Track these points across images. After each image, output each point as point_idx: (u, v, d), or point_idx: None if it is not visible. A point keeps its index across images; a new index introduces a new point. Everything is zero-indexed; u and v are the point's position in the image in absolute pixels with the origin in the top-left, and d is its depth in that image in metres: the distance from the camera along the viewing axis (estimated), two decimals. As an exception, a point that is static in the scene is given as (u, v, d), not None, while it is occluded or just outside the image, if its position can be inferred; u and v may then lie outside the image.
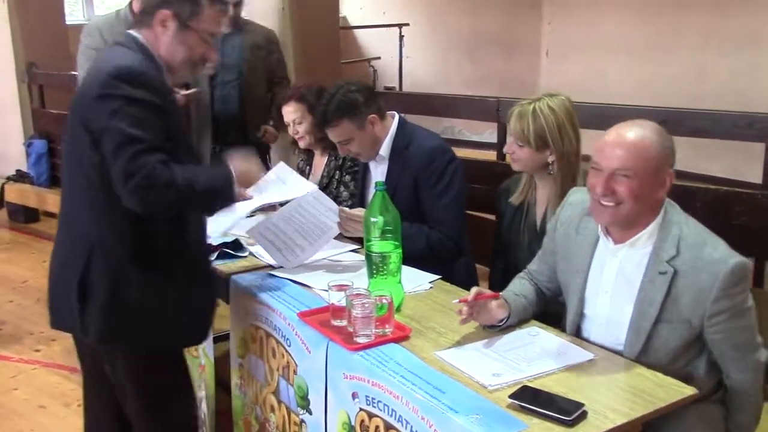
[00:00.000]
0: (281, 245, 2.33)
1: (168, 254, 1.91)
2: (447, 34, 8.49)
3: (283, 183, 2.26)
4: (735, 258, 1.69)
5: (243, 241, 2.51)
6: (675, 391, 1.59)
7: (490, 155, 4.37)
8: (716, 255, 1.70)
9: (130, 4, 3.40)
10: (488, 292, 1.88)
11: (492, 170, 3.18)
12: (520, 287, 2.02)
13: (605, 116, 2.96)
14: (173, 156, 1.83)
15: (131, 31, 1.95)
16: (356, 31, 8.99)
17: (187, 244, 1.95)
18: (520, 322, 1.93)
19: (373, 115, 2.47)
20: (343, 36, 8.33)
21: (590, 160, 1.79)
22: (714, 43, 6.46)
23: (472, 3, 8.21)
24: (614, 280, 1.82)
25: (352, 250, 2.48)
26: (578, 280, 1.89)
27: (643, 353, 1.76)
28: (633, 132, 1.74)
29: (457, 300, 1.84)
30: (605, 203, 1.75)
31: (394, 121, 2.56)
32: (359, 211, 2.32)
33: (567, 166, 2.26)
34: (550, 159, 2.25)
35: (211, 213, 2.06)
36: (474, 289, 1.85)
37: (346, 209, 2.38)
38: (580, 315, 1.91)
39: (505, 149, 2.35)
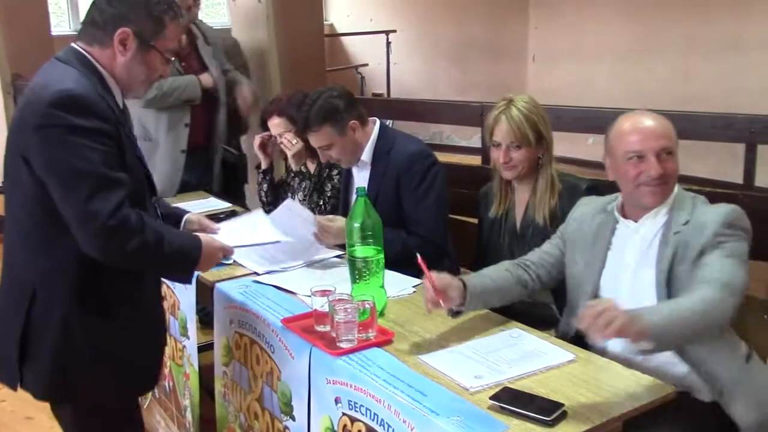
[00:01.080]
0: (265, 259, 2.36)
1: (116, 300, 1.74)
2: (434, 41, 8.53)
3: (254, 228, 2.27)
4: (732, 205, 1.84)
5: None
6: (655, 389, 1.60)
7: (477, 160, 4.39)
8: (717, 208, 1.84)
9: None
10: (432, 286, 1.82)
11: (477, 174, 3.19)
12: (492, 271, 2.05)
13: (589, 119, 3.00)
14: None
15: (76, 46, 1.74)
16: (343, 39, 9.02)
17: (138, 288, 1.79)
18: (485, 306, 1.96)
19: (354, 121, 2.48)
20: (331, 43, 8.38)
21: (624, 152, 1.87)
22: (698, 47, 6.51)
23: (458, 9, 8.24)
24: (637, 253, 1.90)
25: (336, 256, 2.49)
26: (594, 266, 1.97)
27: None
28: (651, 116, 1.89)
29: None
30: (658, 185, 1.85)
31: (375, 126, 2.57)
32: (339, 222, 2.35)
33: (551, 157, 2.36)
34: (540, 153, 2.34)
35: (164, 277, 1.92)
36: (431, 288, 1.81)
37: (322, 220, 2.39)
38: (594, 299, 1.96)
39: (500, 160, 2.33)
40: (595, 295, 1.96)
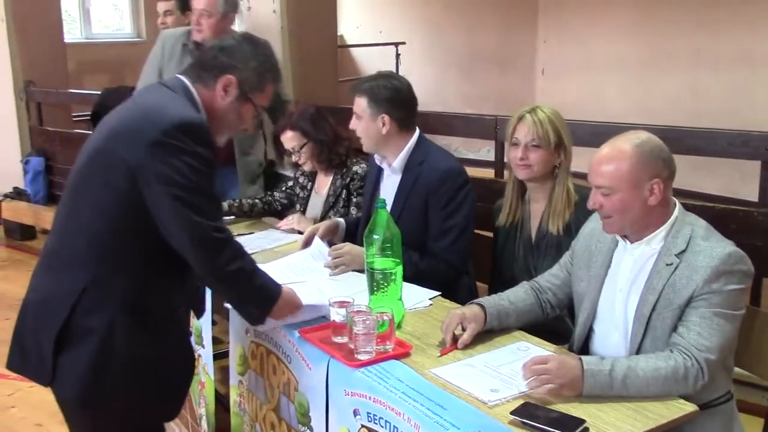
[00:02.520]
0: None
1: (161, 315, 1.79)
2: (443, 53, 8.56)
3: (318, 291, 2.26)
4: (735, 247, 1.76)
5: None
6: (676, 408, 1.60)
7: (488, 173, 4.38)
8: (717, 245, 1.77)
9: (189, 33, 3.50)
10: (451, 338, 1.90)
11: (491, 188, 3.19)
12: (511, 294, 2.06)
13: (601, 134, 2.97)
14: None
15: (184, 79, 1.87)
16: (353, 50, 9.06)
17: (177, 307, 1.86)
18: (501, 325, 1.97)
19: (385, 116, 2.45)
20: (340, 54, 8.39)
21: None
22: (708, 62, 6.52)
23: (468, 21, 8.28)
24: (628, 277, 1.87)
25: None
26: (595, 283, 1.94)
27: (644, 343, 1.80)
28: (612, 150, 1.82)
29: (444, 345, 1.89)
30: (601, 217, 1.87)
31: (414, 136, 2.55)
32: (354, 251, 2.43)
33: (568, 168, 2.38)
34: (557, 161, 2.35)
35: (239, 310, 1.94)
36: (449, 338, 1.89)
37: (333, 252, 2.47)
38: (592, 320, 1.95)
39: (517, 157, 2.34)
40: (594, 315, 1.94)
